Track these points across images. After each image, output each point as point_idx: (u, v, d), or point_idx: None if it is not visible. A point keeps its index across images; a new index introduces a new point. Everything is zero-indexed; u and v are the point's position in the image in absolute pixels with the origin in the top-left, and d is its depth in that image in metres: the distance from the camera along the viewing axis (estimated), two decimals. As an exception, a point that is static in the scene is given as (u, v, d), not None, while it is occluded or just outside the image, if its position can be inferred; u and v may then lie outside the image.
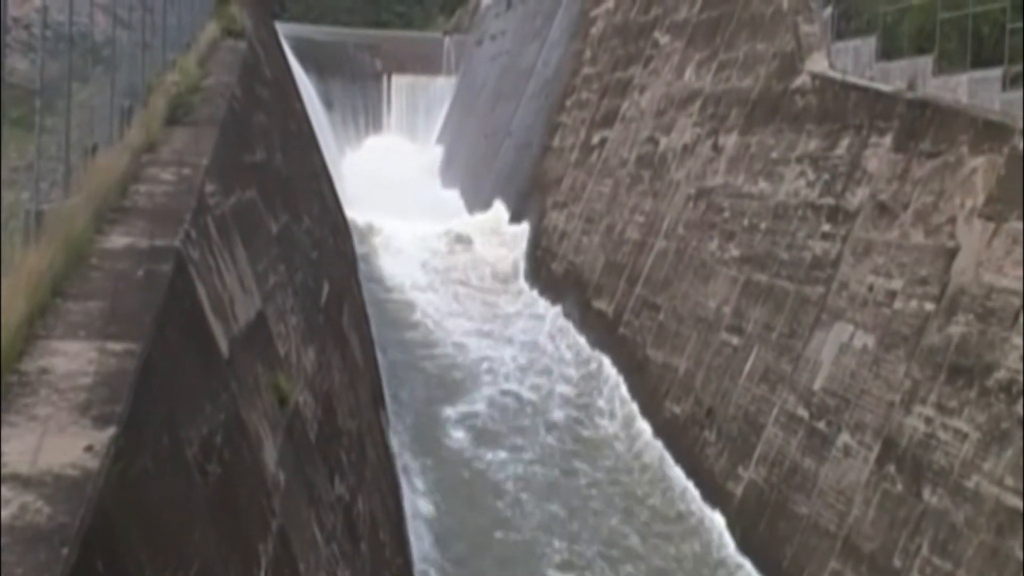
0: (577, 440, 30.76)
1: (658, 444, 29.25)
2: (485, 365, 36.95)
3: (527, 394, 33.99)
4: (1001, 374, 17.82)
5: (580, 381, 35.10)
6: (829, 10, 30.28)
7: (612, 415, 32.26)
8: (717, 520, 24.72)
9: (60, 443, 7.34)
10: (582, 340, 38.79)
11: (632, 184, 40.33)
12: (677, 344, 30.93)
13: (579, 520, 25.65)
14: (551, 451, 29.78)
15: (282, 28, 63.32)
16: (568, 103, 54.27)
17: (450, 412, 32.19)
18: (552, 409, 32.98)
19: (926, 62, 24.41)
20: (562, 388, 34.82)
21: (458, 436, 30.47)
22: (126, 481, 7.47)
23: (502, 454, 29.27)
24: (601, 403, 33.24)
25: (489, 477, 27.90)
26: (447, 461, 28.65)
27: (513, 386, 34.56)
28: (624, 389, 33.28)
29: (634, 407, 31.95)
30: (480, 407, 32.90)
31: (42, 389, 8.09)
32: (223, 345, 12.31)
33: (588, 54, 54.18)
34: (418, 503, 25.68)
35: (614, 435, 30.96)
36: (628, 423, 31.27)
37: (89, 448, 7.30)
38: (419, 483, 27.01)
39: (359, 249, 49.55)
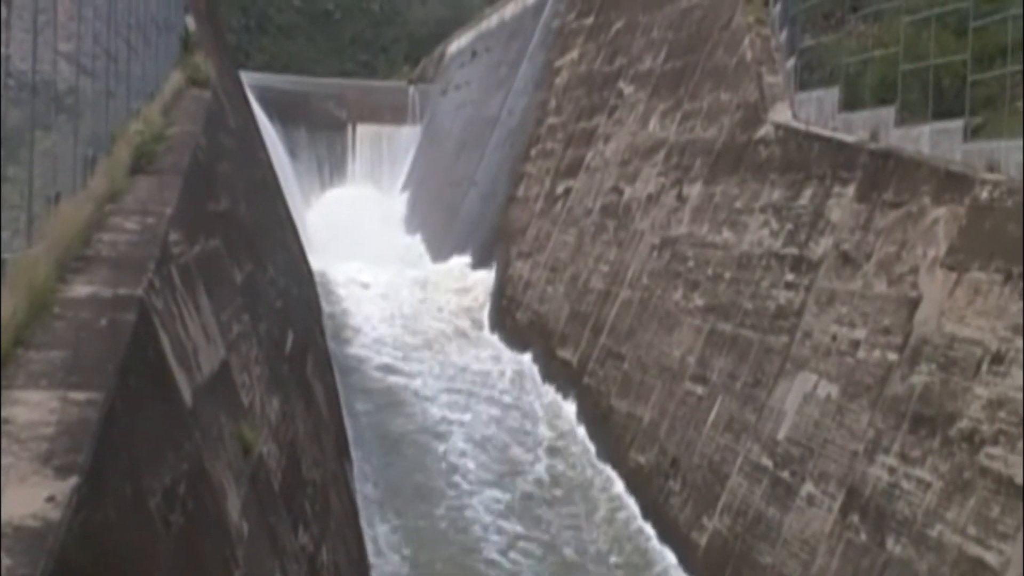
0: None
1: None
2: (447, 420, 36.86)
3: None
4: (963, 423, 17.88)
5: (554, 442, 34.97)
6: (792, 61, 30.51)
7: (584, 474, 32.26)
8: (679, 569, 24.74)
9: (21, 494, 7.28)
10: (547, 389, 38.83)
11: (597, 234, 40.42)
12: (642, 394, 30.94)
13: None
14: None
15: (247, 77, 63.36)
16: (533, 153, 54.41)
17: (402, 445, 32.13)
18: (526, 464, 32.96)
19: (888, 113, 24.60)
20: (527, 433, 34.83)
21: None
22: (88, 532, 7.42)
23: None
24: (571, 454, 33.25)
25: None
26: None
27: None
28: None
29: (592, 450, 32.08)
30: (441, 452, 32.87)
31: (3, 439, 8.03)
32: (186, 394, 12.26)
33: (553, 104, 54.36)
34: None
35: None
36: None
37: (51, 498, 7.25)
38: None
39: (323, 297, 49.51)
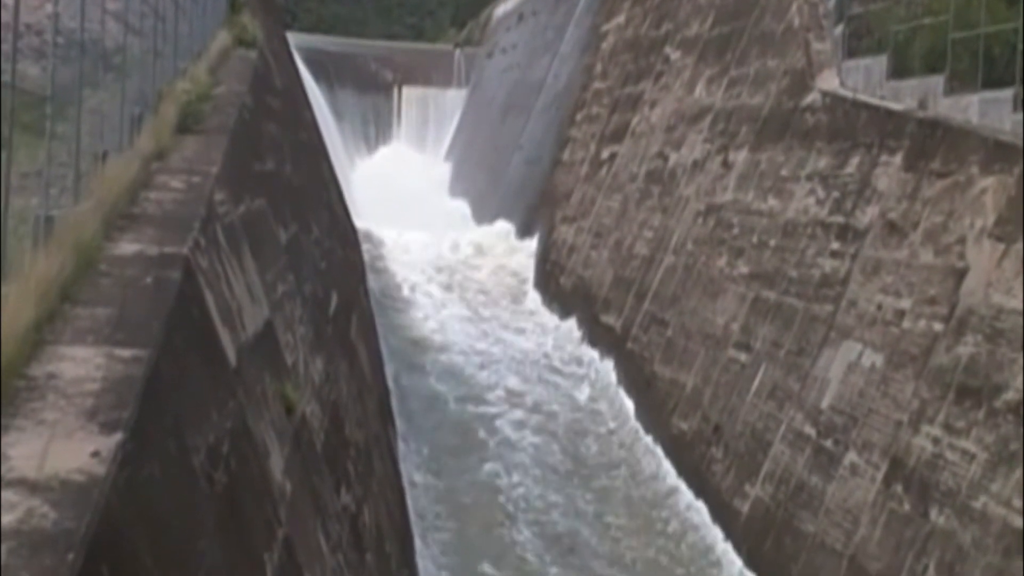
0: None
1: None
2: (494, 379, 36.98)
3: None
4: (1009, 395, 17.77)
5: (587, 402, 35.01)
6: (840, 28, 30.29)
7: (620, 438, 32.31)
8: (723, 537, 24.74)
9: (67, 448, 7.31)
10: (590, 353, 38.87)
11: (641, 199, 40.32)
12: (685, 360, 30.89)
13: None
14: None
15: (293, 38, 63.29)
16: (578, 117, 54.29)
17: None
18: (555, 422, 33.00)
19: (937, 81, 24.41)
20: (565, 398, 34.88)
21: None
22: (133, 487, 7.45)
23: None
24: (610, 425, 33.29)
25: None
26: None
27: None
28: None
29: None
30: (488, 413, 32.96)
31: (50, 394, 8.07)
32: (231, 353, 12.29)
33: (599, 68, 54.21)
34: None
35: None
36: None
37: (96, 453, 7.28)
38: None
39: (368, 259, 49.57)
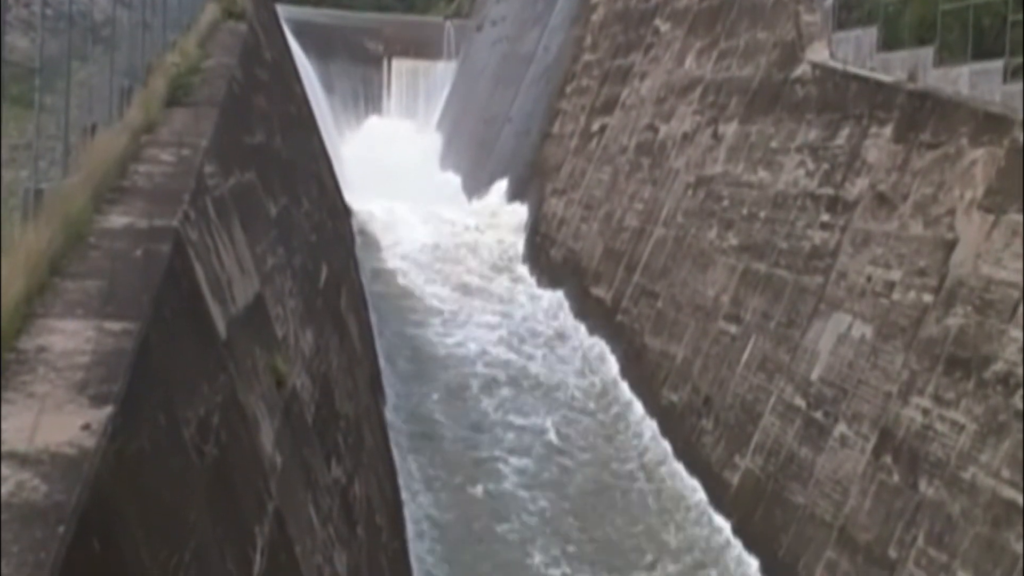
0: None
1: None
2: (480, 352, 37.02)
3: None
4: (999, 366, 17.81)
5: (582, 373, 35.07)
6: (830, 0, 30.26)
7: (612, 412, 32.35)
8: (712, 508, 24.78)
9: (57, 421, 7.32)
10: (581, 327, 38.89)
11: (631, 171, 40.29)
12: (675, 332, 30.91)
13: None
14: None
15: (282, 10, 63.11)
16: (568, 90, 54.18)
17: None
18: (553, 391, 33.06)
19: (927, 53, 24.39)
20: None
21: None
22: (123, 460, 7.45)
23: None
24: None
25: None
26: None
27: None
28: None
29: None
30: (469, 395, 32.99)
31: (40, 367, 8.07)
32: (221, 326, 12.29)
33: (589, 40, 54.07)
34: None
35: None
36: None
37: (86, 427, 7.29)
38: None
39: (358, 232, 49.44)
